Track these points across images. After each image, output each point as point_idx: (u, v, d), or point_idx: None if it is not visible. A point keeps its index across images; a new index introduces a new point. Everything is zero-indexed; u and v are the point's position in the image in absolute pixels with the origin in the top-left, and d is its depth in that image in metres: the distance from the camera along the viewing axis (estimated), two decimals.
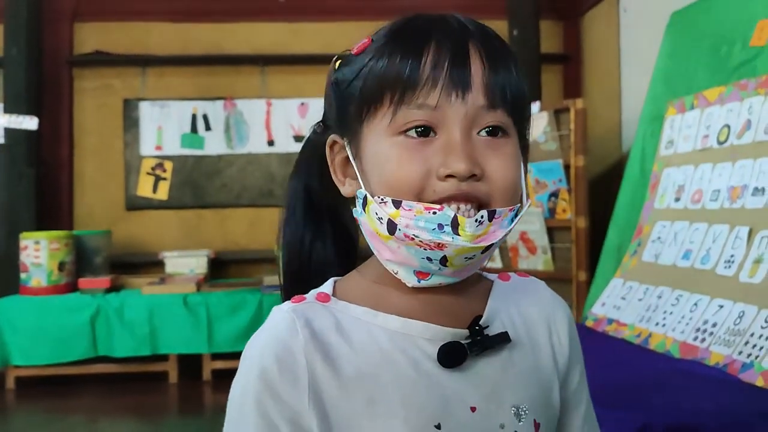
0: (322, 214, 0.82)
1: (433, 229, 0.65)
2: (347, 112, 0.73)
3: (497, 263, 3.90)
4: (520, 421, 0.71)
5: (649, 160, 2.73)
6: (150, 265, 4.80)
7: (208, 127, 5.07)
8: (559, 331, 0.80)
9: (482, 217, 0.66)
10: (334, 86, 0.75)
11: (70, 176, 4.98)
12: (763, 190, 2.08)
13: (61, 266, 4.19)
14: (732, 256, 2.11)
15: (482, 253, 0.67)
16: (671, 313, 2.23)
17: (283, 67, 5.09)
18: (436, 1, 5.20)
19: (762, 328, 1.86)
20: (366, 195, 0.70)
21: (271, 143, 5.11)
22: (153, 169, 5.02)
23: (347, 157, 0.74)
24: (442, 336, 0.70)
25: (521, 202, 0.72)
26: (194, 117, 5.06)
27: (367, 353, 0.68)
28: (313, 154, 0.81)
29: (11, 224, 4.46)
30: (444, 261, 0.67)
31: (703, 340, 2.04)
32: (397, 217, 0.67)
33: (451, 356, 0.69)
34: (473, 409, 0.69)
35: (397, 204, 0.67)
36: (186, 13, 4.98)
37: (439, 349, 0.69)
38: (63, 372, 4.11)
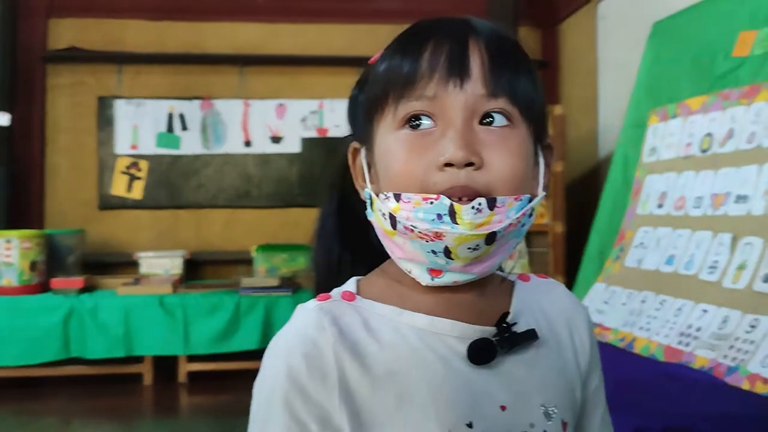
0: (353, 227, 0.82)
1: (432, 220, 0.65)
2: (360, 117, 0.75)
3: None
4: (549, 420, 0.72)
5: (632, 166, 2.78)
6: (124, 265, 4.72)
7: (184, 127, 5.01)
8: (581, 332, 0.80)
9: (479, 204, 0.65)
10: (351, 99, 0.79)
11: (41, 174, 4.88)
12: (746, 197, 2.13)
13: (33, 266, 4.10)
14: (715, 261, 2.15)
15: (487, 244, 0.66)
16: (655, 317, 2.27)
17: (261, 68, 5.05)
18: (415, 5, 5.23)
19: (746, 332, 1.91)
20: (371, 194, 0.71)
21: (248, 144, 5.08)
22: (128, 168, 4.94)
23: (363, 163, 0.75)
24: (471, 333, 0.70)
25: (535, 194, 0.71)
26: (171, 116, 5.00)
27: (396, 351, 0.68)
28: (346, 167, 0.82)
29: None
30: (448, 253, 0.66)
31: (688, 344, 2.08)
32: (398, 210, 0.67)
33: (481, 353, 0.69)
34: (503, 408, 0.69)
35: (397, 198, 0.67)
36: (164, 11, 4.92)
37: (470, 346, 0.69)
38: (34, 374, 4.02)
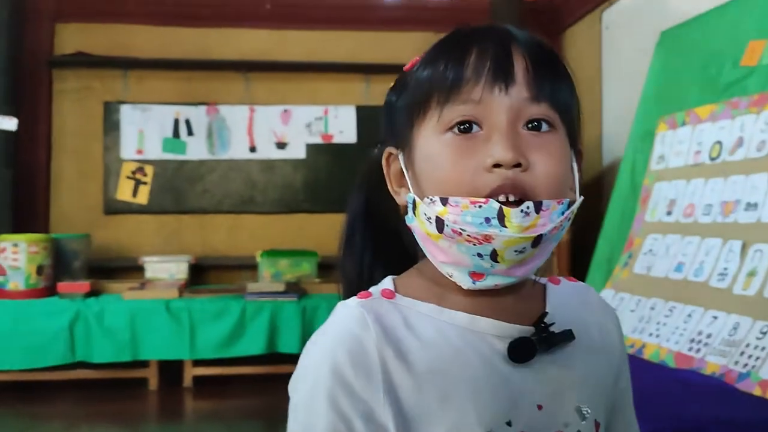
0: (382, 234, 0.83)
1: (480, 223, 0.66)
2: (398, 122, 0.76)
3: None
4: (583, 420, 0.73)
5: (640, 174, 2.80)
6: (129, 269, 4.73)
7: (190, 132, 5.03)
8: (611, 335, 0.82)
9: (528, 207, 0.66)
10: (387, 105, 0.79)
11: (47, 178, 4.89)
12: (756, 205, 2.15)
13: (40, 270, 4.11)
14: (725, 268, 2.17)
15: (533, 247, 0.67)
16: (665, 324, 2.29)
17: (267, 74, 5.08)
18: (419, 13, 5.25)
19: (757, 339, 1.92)
20: (414, 198, 0.72)
21: (253, 149, 5.09)
22: (133, 173, 4.96)
23: (401, 168, 0.76)
24: (510, 333, 0.71)
25: (574, 199, 0.73)
26: (176, 121, 5.02)
27: (438, 349, 0.69)
28: (372, 173, 0.83)
29: None
30: (494, 256, 0.67)
31: (698, 350, 2.09)
32: (445, 214, 0.68)
33: (521, 352, 0.70)
34: (540, 407, 0.71)
35: (444, 201, 0.68)
36: (170, 17, 4.94)
37: (510, 344, 0.70)
38: (39, 378, 4.02)
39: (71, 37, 4.90)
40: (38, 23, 4.80)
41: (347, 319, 0.70)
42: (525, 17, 4.64)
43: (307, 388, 0.68)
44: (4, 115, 4.42)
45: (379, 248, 0.84)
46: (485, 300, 0.73)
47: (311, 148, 5.11)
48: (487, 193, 0.67)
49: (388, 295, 0.73)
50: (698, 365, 2.05)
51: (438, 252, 0.72)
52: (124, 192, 4.95)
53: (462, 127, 0.69)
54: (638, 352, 2.31)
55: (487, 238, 0.66)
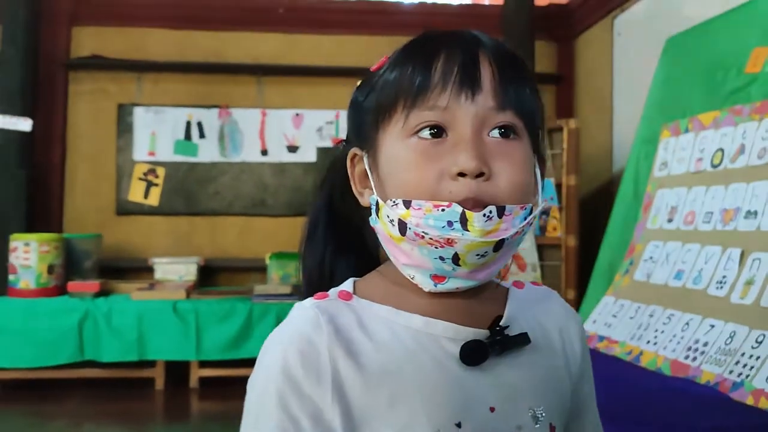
0: (344, 231, 0.84)
1: (443, 226, 0.67)
2: (365, 123, 0.76)
3: None
4: (536, 423, 0.73)
5: (643, 180, 2.78)
6: (139, 270, 4.78)
7: (202, 135, 5.08)
8: (572, 339, 0.82)
9: (490, 212, 0.67)
10: (354, 104, 0.80)
11: (61, 179, 4.96)
12: (756, 213, 2.13)
13: (51, 269, 4.16)
14: (724, 277, 2.15)
15: (495, 251, 0.68)
16: (663, 331, 2.27)
17: (279, 78, 5.11)
18: (431, 18, 5.26)
19: (753, 348, 1.90)
20: (377, 200, 0.73)
21: (264, 153, 5.13)
22: (145, 174, 5.01)
23: (366, 169, 0.76)
24: (464, 335, 0.71)
25: (537, 204, 0.74)
26: (189, 124, 5.07)
27: (391, 350, 0.70)
28: (336, 172, 0.84)
29: (1, 225, 4.42)
30: (456, 259, 0.68)
31: (695, 358, 2.07)
32: (408, 217, 0.68)
33: (473, 354, 0.71)
34: (492, 410, 0.71)
35: (407, 204, 0.68)
36: (184, 20, 5.00)
37: (462, 347, 0.70)
38: (48, 376, 4.07)
39: (87, 40, 4.97)
40: (55, 26, 4.88)
41: (301, 319, 0.71)
42: (537, 23, 4.63)
43: (259, 388, 0.69)
44: (20, 116, 4.49)
45: (342, 245, 0.84)
46: (444, 302, 0.74)
47: (322, 151, 5.13)
48: (449, 200, 0.67)
49: (344, 296, 0.74)
50: (694, 374, 2.03)
51: (400, 254, 0.72)
52: (135, 193, 5.00)
53: (428, 132, 0.70)
54: (635, 360, 2.29)
55: (450, 242, 0.67)
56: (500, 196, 0.68)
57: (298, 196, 5.13)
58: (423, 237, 0.68)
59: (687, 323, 2.20)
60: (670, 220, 2.53)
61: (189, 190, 5.07)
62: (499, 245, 0.68)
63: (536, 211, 0.72)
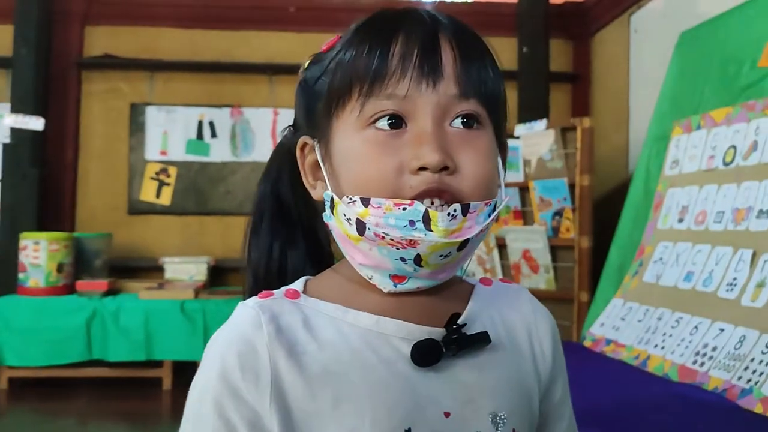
0: (293, 222, 0.79)
1: (405, 226, 0.62)
2: (316, 110, 0.70)
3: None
4: (497, 429, 0.68)
5: (654, 179, 2.70)
6: (150, 270, 4.77)
7: (214, 134, 5.07)
8: (542, 339, 0.76)
9: (455, 211, 0.62)
10: (303, 85, 0.74)
11: (73, 178, 4.98)
12: None
13: (60, 267, 4.17)
14: (735, 279, 2.06)
15: (458, 250, 0.64)
16: (671, 335, 2.18)
17: (291, 77, 5.02)
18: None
19: (762, 353, 1.81)
20: (333, 196, 0.67)
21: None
22: (157, 173, 5.01)
23: (317, 160, 0.71)
24: (418, 335, 0.66)
25: (499, 197, 0.68)
26: (200, 123, 5.06)
27: (336, 351, 0.65)
28: (283, 159, 0.79)
29: (13, 224, 4.44)
30: (418, 260, 0.63)
31: (703, 364, 1.99)
32: (366, 216, 0.63)
33: (425, 355, 0.65)
34: (447, 414, 0.65)
35: (365, 202, 0.63)
36: (196, 20, 4.99)
37: (413, 347, 0.65)
38: (56, 374, 4.07)
39: (99, 40, 4.99)
40: (68, 26, 4.89)
41: (241, 319, 0.67)
42: (552, 21, 4.55)
43: (196, 393, 0.66)
44: (32, 115, 4.51)
45: (290, 238, 0.79)
46: (399, 300, 0.69)
47: None
48: (412, 196, 0.62)
49: (291, 295, 0.69)
50: (701, 379, 1.95)
51: (357, 254, 0.67)
52: (147, 192, 5.00)
53: (386, 123, 0.64)
54: (642, 364, 2.21)
55: (412, 243, 0.62)
56: (465, 191, 0.64)
57: None
58: (383, 238, 0.63)
59: (696, 327, 2.11)
60: (680, 220, 2.44)
61: (200, 190, 5.06)
62: (463, 244, 0.64)
63: (501, 206, 0.68)
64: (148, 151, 5.02)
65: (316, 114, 0.70)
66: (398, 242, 0.62)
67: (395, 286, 0.67)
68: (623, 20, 4.52)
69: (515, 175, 3.65)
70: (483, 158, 0.65)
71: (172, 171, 5.02)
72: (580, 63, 5.17)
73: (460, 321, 0.68)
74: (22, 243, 4.15)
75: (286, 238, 0.79)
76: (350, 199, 0.65)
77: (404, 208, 0.62)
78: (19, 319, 3.97)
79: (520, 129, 3.69)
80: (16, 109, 4.52)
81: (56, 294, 4.13)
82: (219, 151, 5.07)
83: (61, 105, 4.87)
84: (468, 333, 0.68)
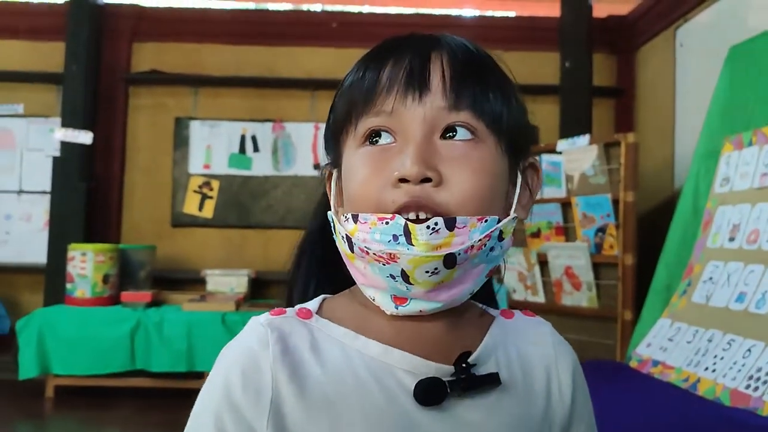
0: (334, 262, 0.76)
1: (389, 241, 0.61)
2: (330, 139, 0.73)
3: (540, 297, 3.81)
4: None
5: (703, 197, 2.64)
6: (192, 282, 4.84)
7: (256, 148, 5.13)
8: (561, 378, 0.73)
9: (436, 224, 0.60)
10: (327, 119, 0.75)
11: (119, 191, 5.08)
12: None
13: (106, 278, 4.25)
14: None
15: (447, 267, 0.61)
16: (722, 358, 2.13)
17: (332, 92, 4.93)
18: (487, 31, 5.18)
19: None
20: (333, 217, 0.68)
21: (317, 167, 5.13)
22: (200, 187, 5.09)
23: (338, 186, 0.72)
24: (425, 370, 0.65)
25: (506, 214, 0.67)
26: (243, 138, 5.12)
27: (339, 378, 0.64)
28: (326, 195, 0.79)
29: (62, 235, 4.55)
30: (406, 277, 0.62)
31: (756, 388, 1.93)
32: (355, 232, 0.64)
33: (428, 393, 0.63)
34: None
35: (355, 218, 0.64)
36: (240, 36, 5.08)
37: (416, 384, 0.63)
38: (101, 383, 4.14)
39: (146, 56, 5.10)
40: (116, 42, 5.02)
41: (250, 335, 0.67)
42: (596, 36, 4.51)
43: (200, 404, 0.66)
44: (81, 129, 4.63)
45: (329, 280, 0.77)
46: (411, 329, 0.67)
47: None
48: (393, 210, 0.62)
49: (304, 315, 0.69)
50: (755, 404, 1.89)
51: (357, 273, 0.67)
52: (190, 205, 5.07)
53: (373, 139, 0.65)
54: (692, 387, 2.15)
55: (393, 257, 0.61)
56: (452, 205, 0.62)
57: None
58: (368, 253, 0.62)
59: (749, 350, 2.05)
60: (731, 239, 2.38)
61: (242, 203, 5.12)
62: (451, 261, 0.61)
63: (503, 223, 0.64)
64: (192, 164, 5.10)
65: (331, 143, 0.73)
66: (381, 257, 0.62)
67: (397, 308, 0.65)
68: (669, 34, 4.46)
69: (557, 191, 3.61)
70: (474, 172, 0.63)
71: (215, 184, 5.09)
72: (624, 77, 5.11)
73: (471, 359, 0.66)
74: (70, 254, 4.24)
75: (325, 279, 0.78)
76: (345, 217, 0.66)
77: (387, 222, 0.61)
78: (66, 329, 4.05)
79: (562, 144, 3.65)
80: (66, 124, 4.64)
81: (102, 305, 4.21)
82: (261, 165, 5.12)
83: (108, 119, 4.99)
84: (478, 373, 0.65)
